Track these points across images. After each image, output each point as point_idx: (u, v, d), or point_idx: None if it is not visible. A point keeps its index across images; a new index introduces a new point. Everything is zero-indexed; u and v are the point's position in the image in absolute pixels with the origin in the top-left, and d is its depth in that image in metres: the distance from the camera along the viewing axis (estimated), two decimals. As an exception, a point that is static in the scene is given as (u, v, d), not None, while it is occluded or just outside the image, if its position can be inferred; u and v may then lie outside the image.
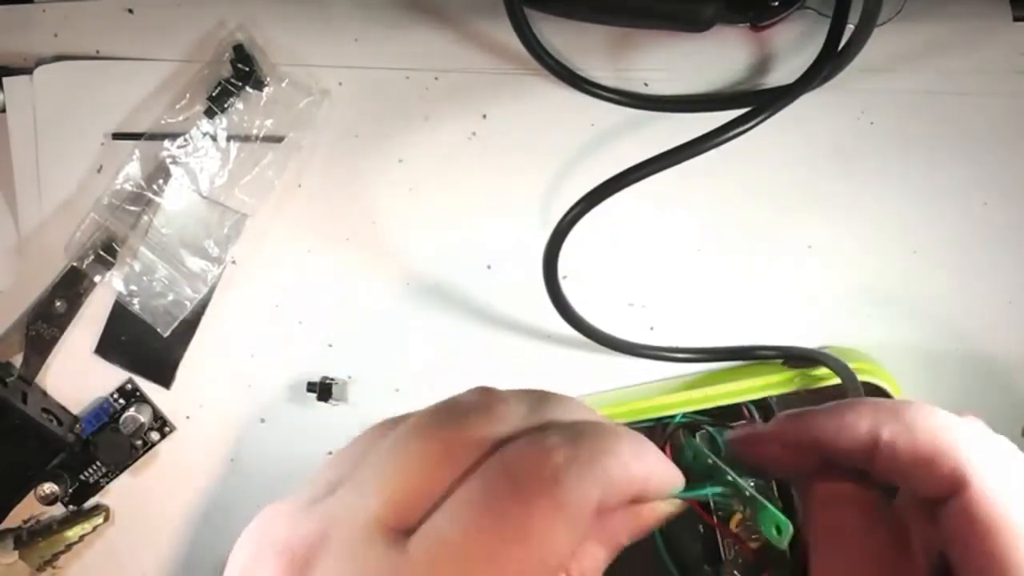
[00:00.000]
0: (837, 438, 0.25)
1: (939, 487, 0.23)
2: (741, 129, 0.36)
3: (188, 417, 0.45)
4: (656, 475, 0.24)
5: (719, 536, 0.35)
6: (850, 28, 0.37)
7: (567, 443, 0.23)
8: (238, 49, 0.42)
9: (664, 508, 0.25)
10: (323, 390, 0.43)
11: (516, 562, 0.21)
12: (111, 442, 0.44)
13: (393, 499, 0.23)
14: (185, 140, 0.43)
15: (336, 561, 0.22)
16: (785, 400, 0.40)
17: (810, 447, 0.25)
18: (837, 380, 0.38)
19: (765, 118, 0.37)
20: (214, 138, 0.43)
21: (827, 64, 0.38)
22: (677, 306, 0.43)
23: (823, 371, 0.39)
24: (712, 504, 0.35)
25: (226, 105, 0.43)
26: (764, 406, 0.41)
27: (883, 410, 0.24)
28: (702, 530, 0.36)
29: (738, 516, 0.35)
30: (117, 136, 0.43)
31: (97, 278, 0.43)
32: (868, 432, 0.24)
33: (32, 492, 0.43)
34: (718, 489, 0.26)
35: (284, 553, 0.22)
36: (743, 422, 0.37)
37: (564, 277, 0.40)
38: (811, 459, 0.25)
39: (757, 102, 0.37)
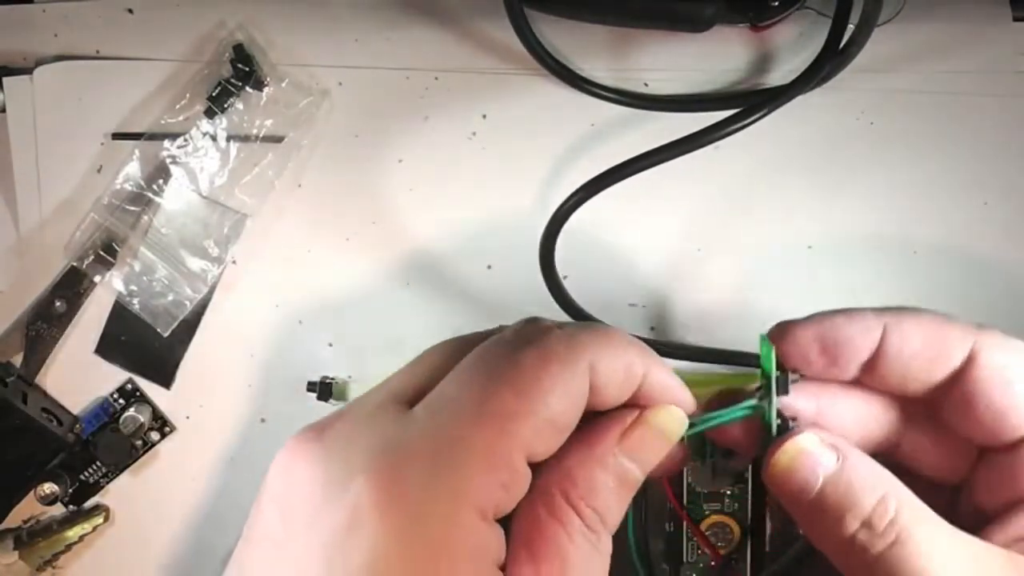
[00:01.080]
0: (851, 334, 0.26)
1: (945, 369, 0.25)
2: (740, 125, 0.36)
3: (188, 417, 0.45)
4: (656, 373, 0.26)
5: (684, 537, 0.35)
6: (850, 28, 0.37)
7: (564, 325, 0.25)
8: (238, 49, 0.42)
9: (669, 423, 0.26)
10: (323, 390, 0.43)
11: (508, 410, 0.22)
12: (111, 442, 0.44)
13: (407, 379, 0.25)
14: (185, 140, 0.43)
15: (346, 424, 0.24)
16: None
17: (834, 346, 0.26)
18: None
19: (764, 115, 0.37)
20: (214, 138, 0.43)
21: (827, 63, 0.38)
22: (677, 306, 0.43)
23: None
24: (686, 500, 0.35)
25: (226, 105, 0.43)
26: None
27: (887, 313, 0.26)
28: (669, 528, 0.36)
29: (712, 518, 0.35)
30: (117, 136, 0.43)
31: (97, 278, 0.43)
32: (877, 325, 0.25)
33: (32, 492, 0.43)
34: (740, 412, 0.27)
35: (306, 428, 0.24)
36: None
37: (565, 277, 0.40)
38: (832, 364, 0.26)
39: (757, 102, 0.37)
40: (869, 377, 0.26)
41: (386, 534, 0.21)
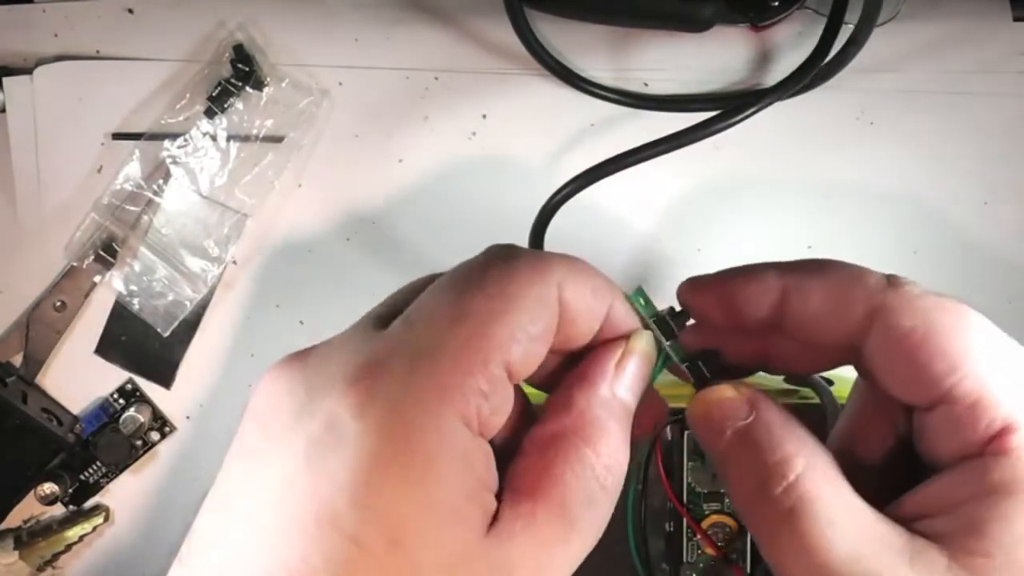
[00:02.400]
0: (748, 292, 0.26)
1: (846, 332, 0.25)
2: (726, 124, 0.36)
3: (188, 417, 0.45)
4: (622, 303, 0.26)
5: (684, 537, 0.35)
6: (849, 28, 0.37)
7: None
8: (238, 49, 0.42)
9: (649, 347, 0.26)
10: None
11: (480, 312, 0.23)
12: (111, 442, 0.44)
13: (385, 305, 0.26)
14: (185, 140, 0.43)
15: (326, 346, 0.24)
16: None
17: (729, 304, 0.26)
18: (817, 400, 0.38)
19: (751, 114, 0.37)
20: (214, 138, 0.43)
21: (814, 69, 0.38)
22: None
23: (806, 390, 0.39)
24: (686, 499, 0.35)
25: (226, 105, 0.43)
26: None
27: (791, 272, 0.26)
28: (669, 528, 0.36)
29: (712, 518, 0.35)
30: (117, 136, 0.43)
31: (97, 278, 0.43)
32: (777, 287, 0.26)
33: (32, 492, 0.43)
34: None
35: (289, 354, 0.25)
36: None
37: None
38: (728, 319, 0.27)
39: (744, 102, 0.37)
40: (778, 333, 0.26)
41: (363, 437, 0.21)
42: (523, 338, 0.23)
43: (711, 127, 0.37)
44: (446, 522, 0.21)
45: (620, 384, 0.25)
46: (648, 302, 0.27)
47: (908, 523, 0.23)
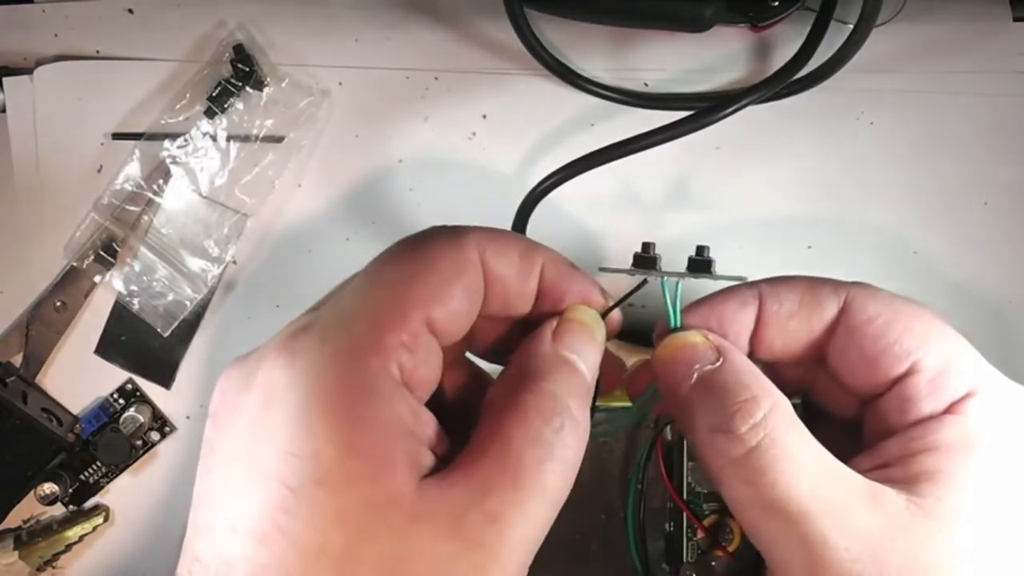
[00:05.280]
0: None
1: (821, 322, 0.27)
2: (706, 121, 0.36)
3: (188, 417, 0.45)
4: (554, 259, 0.27)
5: (684, 537, 0.35)
6: (849, 28, 0.37)
7: None
8: (238, 49, 0.42)
9: (584, 314, 0.27)
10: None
11: (395, 277, 0.24)
12: (111, 442, 0.44)
13: (323, 297, 0.26)
14: (185, 140, 0.43)
15: (268, 341, 0.25)
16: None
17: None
18: None
19: (735, 111, 0.37)
20: (214, 138, 0.43)
21: (800, 67, 0.38)
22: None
23: None
24: (685, 496, 0.35)
25: (226, 105, 0.43)
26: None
27: (762, 283, 0.28)
28: (669, 528, 0.36)
29: (712, 518, 0.35)
30: (117, 136, 0.43)
31: (97, 278, 0.43)
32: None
33: (32, 492, 0.43)
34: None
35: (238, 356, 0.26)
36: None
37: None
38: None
39: (718, 102, 0.37)
40: (760, 348, 0.27)
41: (293, 398, 0.22)
42: (444, 297, 0.24)
43: (693, 123, 0.37)
44: (370, 463, 0.21)
45: (561, 344, 0.26)
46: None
47: (863, 474, 0.24)
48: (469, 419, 0.25)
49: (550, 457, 0.23)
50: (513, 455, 0.22)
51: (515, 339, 0.27)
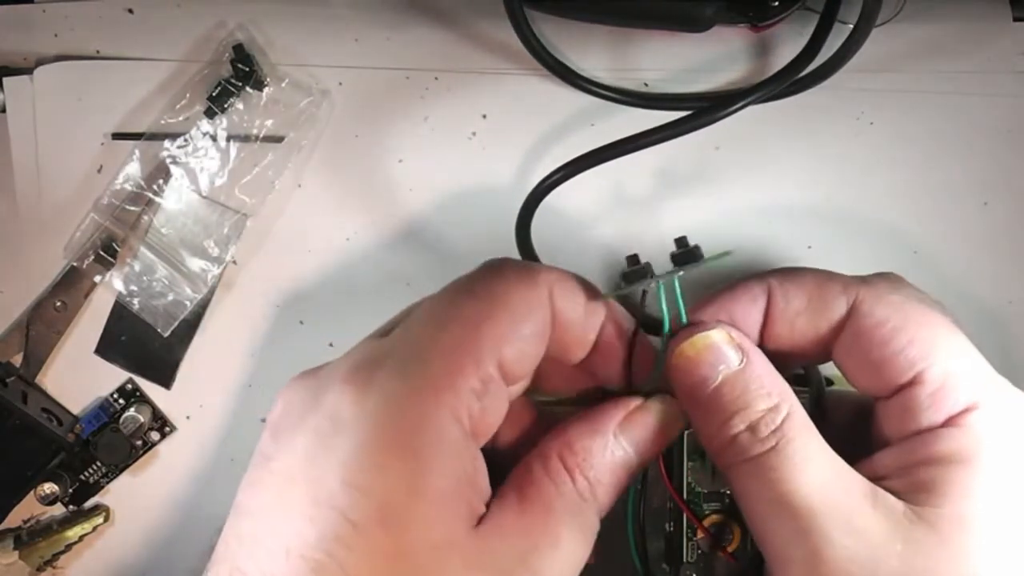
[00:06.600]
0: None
1: (828, 322, 0.27)
2: (705, 120, 0.36)
3: (188, 417, 0.45)
4: (615, 314, 0.28)
5: (684, 537, 0.35)
6: (849, 28, 0.37)
7: None
8: (238, 49, 0.42)
9: (668, 413, 0.28)
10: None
11: (470, 315, 0.24)
12: (111, 442, 0.44)
13: (387, 323, 0.27)
14: (185, 140, 0.43)
15: (335, 360, 0.26)
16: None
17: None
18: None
19: (736, 110, 0.36)
20: (214, 138, 0.43)
21: (803, 67, 0.38)
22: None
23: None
24: (685, 496, 0.35)
25: (226, 105, 0.43)
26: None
27: (771, 277, 0.28)
28: (669, 528, 0.36)
29: (712, 518, 0.35)
30: (117, 136, 0.43)
31: (97, 278, 0.43)
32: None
33: (32, 492, 0.43)
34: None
35: (305, 370, 0.26)
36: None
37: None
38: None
39: (719, 102, 0.37)
40: (767, 341, 0.28)
41: (359, 424, 0.22)
42: (514, 338, 0.24)
43: (693, 122, 0.37)
44: (435, 508, 0.22)
45: (625, 437, 0.26)
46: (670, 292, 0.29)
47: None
48: (508, 450, 0.26)
49: (586, 524, 0.25)
50: (555, 519, 0.24)
51: (570, 379, 0.28)
